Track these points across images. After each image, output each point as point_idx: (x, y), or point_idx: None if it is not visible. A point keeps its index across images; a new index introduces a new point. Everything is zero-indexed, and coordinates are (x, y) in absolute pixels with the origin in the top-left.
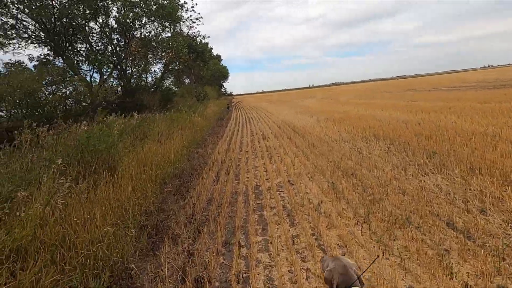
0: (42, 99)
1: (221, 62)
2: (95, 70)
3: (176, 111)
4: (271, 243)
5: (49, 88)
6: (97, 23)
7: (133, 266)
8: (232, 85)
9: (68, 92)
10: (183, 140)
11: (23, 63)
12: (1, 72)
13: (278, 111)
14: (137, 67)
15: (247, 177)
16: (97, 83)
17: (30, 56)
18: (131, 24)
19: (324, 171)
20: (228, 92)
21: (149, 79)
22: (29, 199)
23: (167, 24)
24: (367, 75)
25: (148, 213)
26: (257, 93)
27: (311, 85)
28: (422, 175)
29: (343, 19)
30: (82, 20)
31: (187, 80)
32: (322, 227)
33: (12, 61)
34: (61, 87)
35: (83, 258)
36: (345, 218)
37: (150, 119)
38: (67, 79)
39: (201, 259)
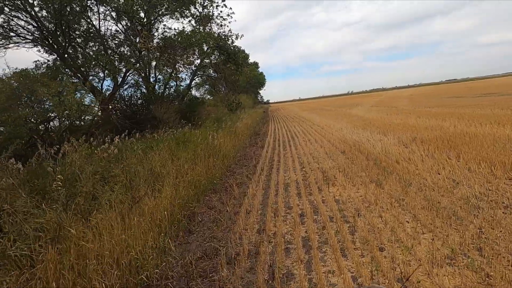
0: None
1: (258, 69)
2: (105, 76)
3: (194, 127)
4: None
5: (23, 100)
6: (120, 23)
7: None
8: (269, 93)
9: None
10: (183, 189)
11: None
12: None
13: (327, 124)
14: (160, 71)
15: None
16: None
17: (38, 62)
18: (141, 15)
19: None
20: (265, 100)
21: (175, 87)
22: None
23: (187, 13)
24: (412, 80)
25: None
26: (293, 100)
27: (350, 92)
28: None
29: (388, 21)
30: (81, 10)
31: (223, 89)
32: None
33: (19, 69)
34: (45, 99)
35: None
36: None
37: (136, 146)
38: (46, 90)
39: None
